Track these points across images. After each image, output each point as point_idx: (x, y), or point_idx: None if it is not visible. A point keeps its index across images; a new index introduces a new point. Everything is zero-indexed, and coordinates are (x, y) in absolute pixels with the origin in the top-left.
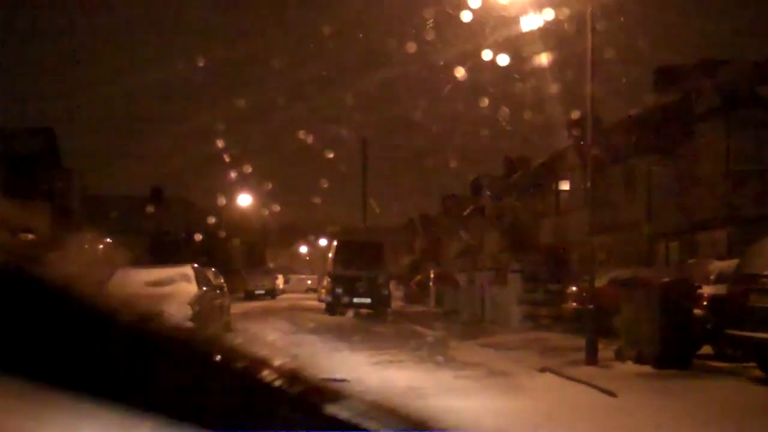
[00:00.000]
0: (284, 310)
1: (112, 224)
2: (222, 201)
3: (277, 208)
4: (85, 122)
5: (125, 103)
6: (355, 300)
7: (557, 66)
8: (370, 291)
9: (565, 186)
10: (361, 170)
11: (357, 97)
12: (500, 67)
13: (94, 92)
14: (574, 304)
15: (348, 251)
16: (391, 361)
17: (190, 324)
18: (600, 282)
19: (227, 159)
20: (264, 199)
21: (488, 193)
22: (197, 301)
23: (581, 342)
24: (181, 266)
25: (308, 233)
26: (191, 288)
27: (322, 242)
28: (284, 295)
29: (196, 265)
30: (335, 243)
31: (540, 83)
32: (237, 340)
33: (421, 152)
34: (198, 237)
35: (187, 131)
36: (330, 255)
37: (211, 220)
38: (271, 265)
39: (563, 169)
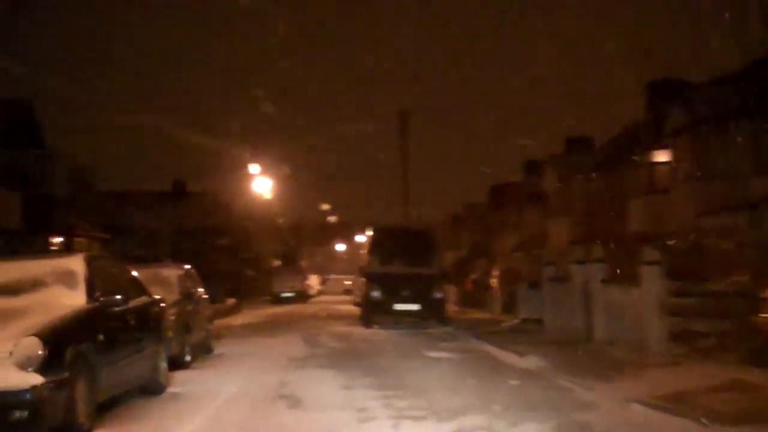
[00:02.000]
0: (308, 319)
1: (124, 222)
2: (250, 196)
3: (314, 204)
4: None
5: (142, 95)
6: (398, 307)
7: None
8: (418, 294)
9: (661, 157)
10: (401, 154)
11: (396, 80)
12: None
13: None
14: None
15: (388, 242)
16: None
17: (34, 378)
18: None
19: (256, 150)
20: (298, 195)
21: (552, 174)
22: (67, 330)
23: None
24: (65, 256)
25: (346, 230)
26: (73, 298)
27: (361, 239)
28: (319, 298)
29: (108, 256)
30: (371, 232)
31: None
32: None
33: (464, 139)
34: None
35: (208, 119)
36: (366, 247)
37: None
38: (302, 263)
39: (662, 135)
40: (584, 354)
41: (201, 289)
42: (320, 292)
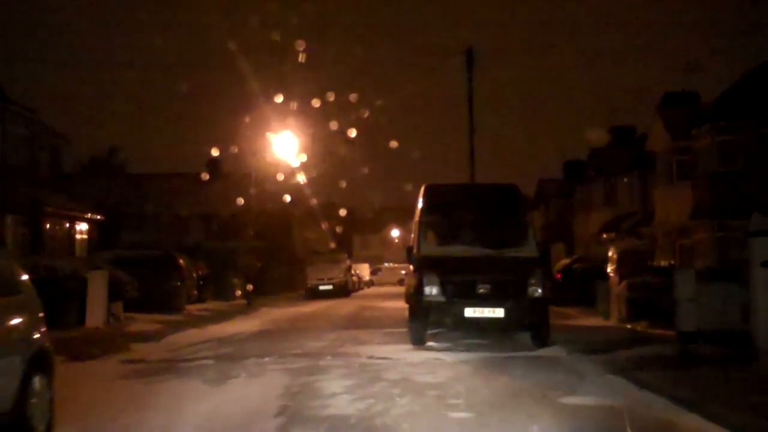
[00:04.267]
0: (333, 326)
1: (150, 206)
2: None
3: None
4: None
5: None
6: (471, 313)
7: None
8: (502, 292)
9: None
10: (467, 102)
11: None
12: None
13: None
14: None
15: (450, 209)
16: None
17: None
18: None
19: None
20: (351, 179)
21: (661, 131)
22: None
23: None
24: None
25: (402, 214)
26: None
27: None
28: (368, 290)
29: None
30: (423, 192)
31: None
32: None
33: (535, 104)
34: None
35: (237, 86)
36: (415, 219)
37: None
38: (335, 249)
39: None
40: None
41: (24, 293)
42: (371, 283)
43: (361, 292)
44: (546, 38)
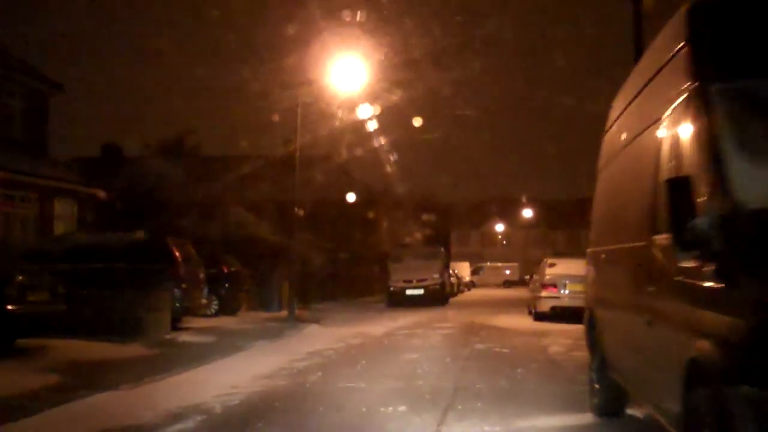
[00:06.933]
0: (409, 405)
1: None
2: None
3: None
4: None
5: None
6: None
7: None
8: None
9: None
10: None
11: None
12: None
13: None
14: None
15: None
16: None
17: None
18: None
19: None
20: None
21: None
22: None
23: None
24: None
25: (507, 207)
26: None
27: (528, 213)
28: (470, 294)
29: None
30: (689, 28)
31: None
32: None
33: None
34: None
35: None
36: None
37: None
38: (431, 244)
39: None
40: None
41: None
42: (472, 284)
43: (461, 297)
44: None
